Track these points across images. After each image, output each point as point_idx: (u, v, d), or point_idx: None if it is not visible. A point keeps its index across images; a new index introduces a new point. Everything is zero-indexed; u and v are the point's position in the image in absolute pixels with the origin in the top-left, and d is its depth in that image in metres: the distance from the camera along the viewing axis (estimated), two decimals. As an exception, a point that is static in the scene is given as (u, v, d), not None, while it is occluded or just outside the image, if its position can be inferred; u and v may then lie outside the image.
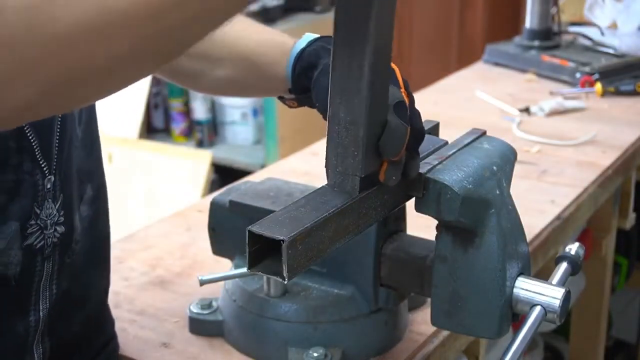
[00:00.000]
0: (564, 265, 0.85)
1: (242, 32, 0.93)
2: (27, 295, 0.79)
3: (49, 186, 0.78)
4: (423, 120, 0.80)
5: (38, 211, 0.77)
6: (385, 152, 0.72)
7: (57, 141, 0.78)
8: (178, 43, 0.57)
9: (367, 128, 0.70)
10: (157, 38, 0.55)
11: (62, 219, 0.80)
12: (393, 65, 0.79)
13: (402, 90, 0.77)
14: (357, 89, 0.69)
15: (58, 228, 0.80)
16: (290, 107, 0.91)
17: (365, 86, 0.68)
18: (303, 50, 0.88)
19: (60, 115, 0.78)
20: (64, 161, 0.79)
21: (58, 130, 0.78)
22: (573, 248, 0.86)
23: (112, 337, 0.96)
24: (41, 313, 0.80)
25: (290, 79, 0.89)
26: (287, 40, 0.91)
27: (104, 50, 0.53)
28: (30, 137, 0.75)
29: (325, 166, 0.74)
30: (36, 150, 0.76)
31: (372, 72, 0.68)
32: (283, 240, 0.65)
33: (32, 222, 0.77)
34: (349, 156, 0.72)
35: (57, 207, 0.79)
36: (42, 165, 0.77)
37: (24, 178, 0.75)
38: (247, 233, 0.66)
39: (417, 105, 0.79)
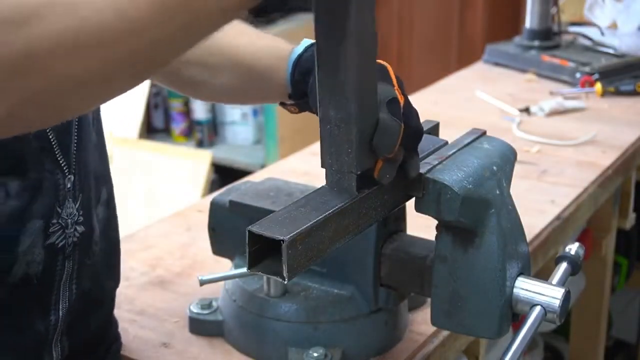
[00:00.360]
0: (563, 266, 0.85)
1: (239, 39, 0.94)
2: (48, 294, 0.80)
3: (69, 185, 0.80)
4: (423, 120, 0.80)
5: (59, 210, 0.79)
6: (379, 150, 0.72)
7: (75, 141, 0.80)
8: (166, 53, 0.59)
9: (358, 124, 0.70)
10: (144, 51, 0.56)
11: (81, 218, 0.82)
12: (386, 64, 0.79)
13: (396, 88, 0.77)
14: (343, 86, 0.69)
15: (78, 227, 0.81)
16: (291, 112, 0.91)
17: (351, 82, 0.68)
18: (300, 56, 0.88)
19: (77, 117, 0.80)
20: (82, 162, 0.82)
21: (75, 130, 0.80)
22: (573, 248, 0.86)
23: (117, 338, 0.97)
24: (61, 312, 0.82)
25: (290, 85, 0.89)
26: (284, 46, 0.91)
27: (83, 65, 0.54)
28: (50, 137, 0.77)
29: (322, 165, 0.74)
30: (56, 149, 0.78)
31: (357, 68, 0.68)
32: (283, 240, 0.65)
33: (54, 220, 0.78)
34: (342, 154, 0.72)
35: (77, 206, 0.81)
36: (62, 165, 0.79)
37: (45, 177, 0.77)
38: (247, 233, 0.66)
39: (417, 105, 0.79)
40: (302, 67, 0.87)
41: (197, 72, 0.94)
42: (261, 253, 0.68)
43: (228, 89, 0.96)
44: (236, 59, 0.93)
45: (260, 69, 0.92)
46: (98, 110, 0.88)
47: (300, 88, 0.88)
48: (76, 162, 0.80)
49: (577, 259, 0.85)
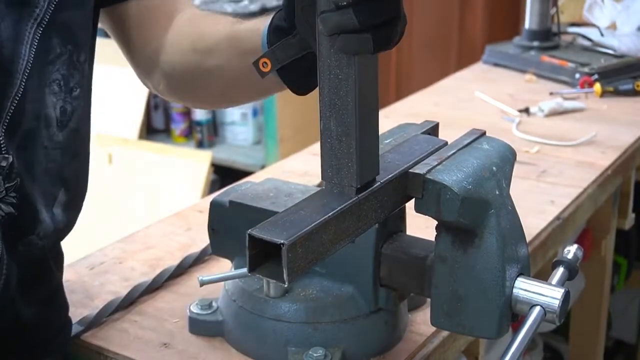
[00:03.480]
0: (560, 271, 0.84)
1: (217, 21, 0.98)
2: None
3: (4, 164, 0.81)
4: (422, 120, 0.80)
5: None
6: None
7: (5, 127, 0.82)
8: None
9: (359, 139, 0.71)
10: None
11: (11, 199, 0.83)
12: None
13: None
14: (346, 101, 0.69)
15: (3, 206, 0.82)
16: (262, 72, 0.85)
17: (354, 97, 0.69)
18: (273, 17, 0.87)
19: (12, 108, 0.82)
20: (28, 152, 0.84)
21: (7, 121, 0.81)
22: (571, 251, 0.85)
23: (66, 323, 0.97)
24: None
25: (266, 37, 0.87)
26: (260, 19, 0.91)
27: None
28: None
29: (322, 178, 0.74)
30: None
31: (360, 82, 0.69)
32: (283, 244, 0.65)
33: None
34: (343, 168, 0.72)
35: (6, 185, 0.82)
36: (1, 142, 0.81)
37: None
38: (247, 237, 0.67)
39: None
40: (275, 21, 0.86)
41: (193, 58, 0.97)
42: (261, 256, 0.68)
43: (220, 74, 0.96)
44: (219, 35, 0.95)
45: (240, 35, 0.92)
46: (72, 117, 0.89)
47: (277, 35, 0.85)
48: (17, 149, 0.82)
49: (574, 263, 0.85)
